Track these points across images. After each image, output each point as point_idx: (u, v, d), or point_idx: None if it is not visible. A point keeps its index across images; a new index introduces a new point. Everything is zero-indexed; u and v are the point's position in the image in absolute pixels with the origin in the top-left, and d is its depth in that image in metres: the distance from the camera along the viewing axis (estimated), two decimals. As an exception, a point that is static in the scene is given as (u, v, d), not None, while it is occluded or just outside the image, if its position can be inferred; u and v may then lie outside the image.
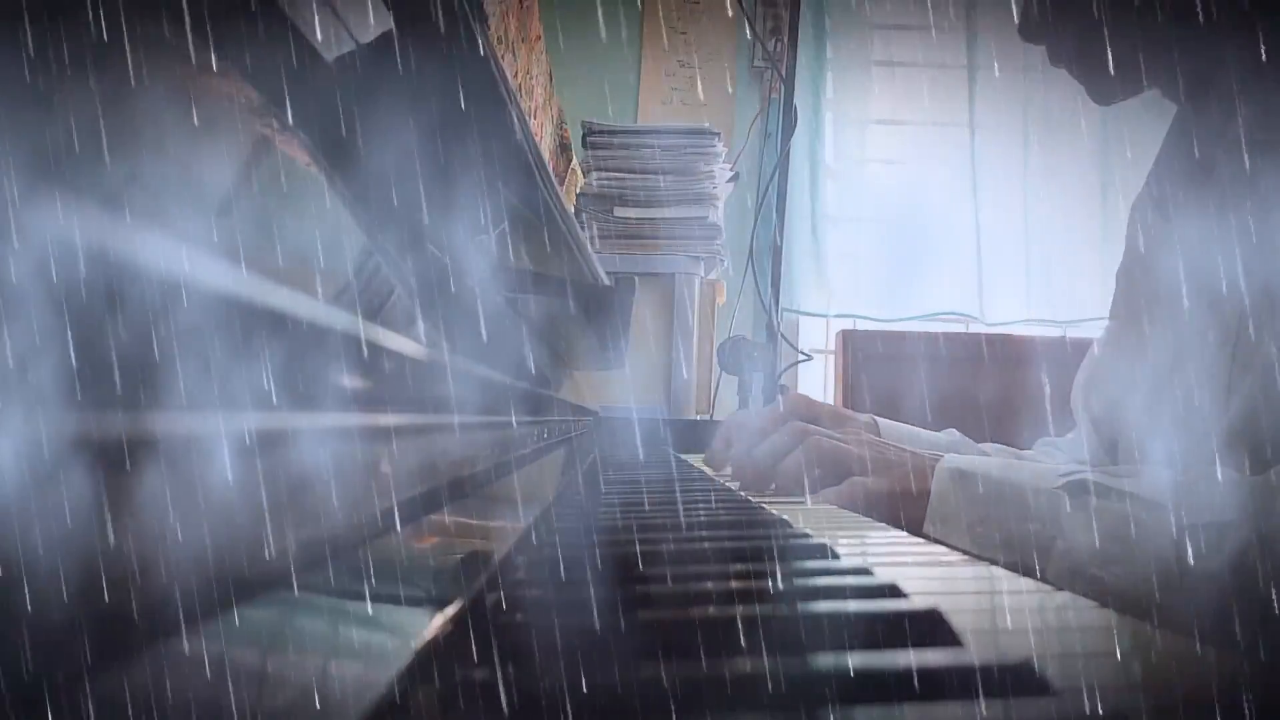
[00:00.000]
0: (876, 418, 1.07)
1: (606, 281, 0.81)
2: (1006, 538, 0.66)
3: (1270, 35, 0.66)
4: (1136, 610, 0.31)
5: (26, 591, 0.12)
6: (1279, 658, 0.47)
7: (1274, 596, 0.51)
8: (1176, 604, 0.55)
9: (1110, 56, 0.74)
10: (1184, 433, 0.70)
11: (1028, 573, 0.39)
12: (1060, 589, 0.35)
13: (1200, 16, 0.67)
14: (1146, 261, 0.84)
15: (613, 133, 1.90)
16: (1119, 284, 0.90)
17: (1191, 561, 0.56)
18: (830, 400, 2.50)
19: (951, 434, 1.08)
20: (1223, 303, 0.69)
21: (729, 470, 0.96)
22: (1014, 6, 0.79)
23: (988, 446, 1.06)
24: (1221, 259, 0.68)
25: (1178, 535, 0.57)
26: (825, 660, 0.24)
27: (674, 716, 0.22)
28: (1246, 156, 0.67)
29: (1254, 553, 0.54)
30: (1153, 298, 0.81)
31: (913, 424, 1.09)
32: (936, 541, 0.53)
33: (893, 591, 0.33)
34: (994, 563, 0.43)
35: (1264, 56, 0.65)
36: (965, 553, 0.46)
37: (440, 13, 0.32)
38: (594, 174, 1.88)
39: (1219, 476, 0.59)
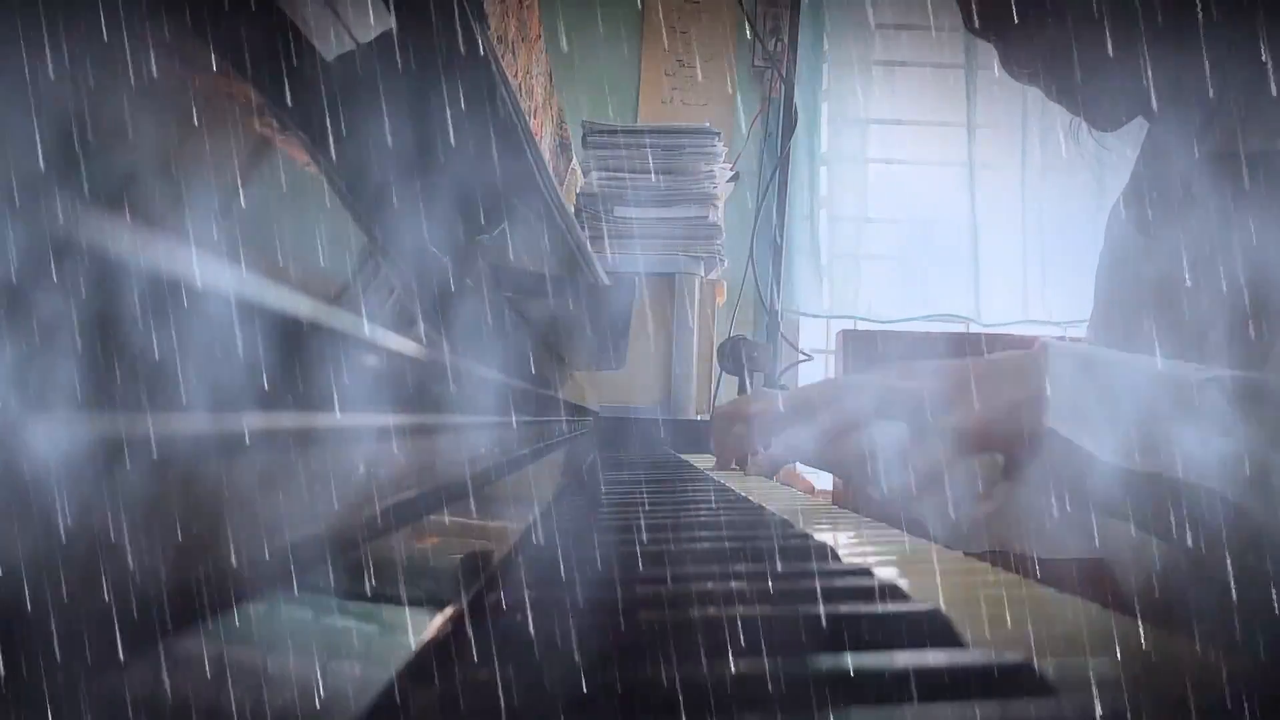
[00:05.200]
0: None
1: (606, 281, 0.81)
2: (1150, 434, 0.56)
3: (1241, 49, 0.66)
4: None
5: (28, 591, 0.12)
6: None
7: None
8: None
9: (1097, 87, 0.73)
10: None
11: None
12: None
13: (1175, 34, 0.67)
14: (1122, 271, 0.84)
15: (613, 133, 1.89)
16: (1096, 290, 0.89)
17: None
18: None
19: None
20: (1194, 313, 0.68)
21: (751, 467, 0.90)
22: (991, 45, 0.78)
23: None
24: (1191, 272, 0.68)
25: None
26: (826, 662, 0.24)
27: (674, 717, 0.22)
28: (1221, 171, 0.67)
29: None
30: (1125, 305, 0.80)
31: None
32: (941, 543, 0.52)
33: (893, 593, 0.33)
34: (999, 559, 0.43)
35: (1248, 70, 0.65)
36: (965, 553, 0.46)
37: (440, 13, 0.32)
38: (594, 174, 1.87)
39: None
